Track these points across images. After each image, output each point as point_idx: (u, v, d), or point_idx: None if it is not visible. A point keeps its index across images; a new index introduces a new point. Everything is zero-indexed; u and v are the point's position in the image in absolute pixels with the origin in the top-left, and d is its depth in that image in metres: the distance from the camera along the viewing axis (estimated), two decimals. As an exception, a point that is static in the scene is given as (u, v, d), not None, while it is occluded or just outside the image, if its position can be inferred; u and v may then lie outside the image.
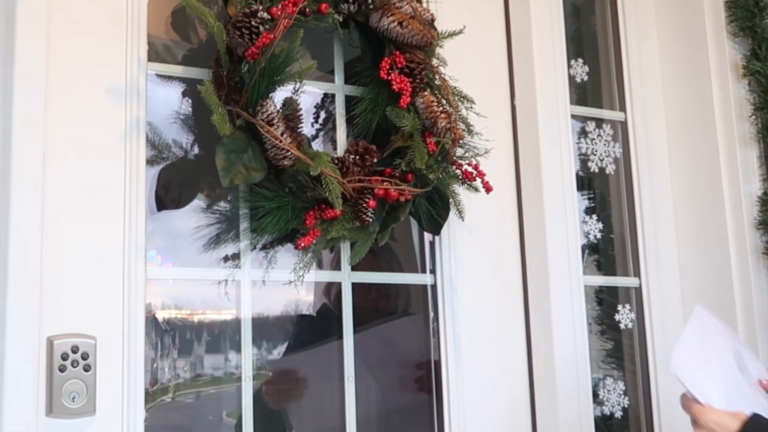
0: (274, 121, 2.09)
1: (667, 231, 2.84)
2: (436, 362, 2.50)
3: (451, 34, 2.45)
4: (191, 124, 2.29)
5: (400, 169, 2.29)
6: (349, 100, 2.45)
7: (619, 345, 2.80)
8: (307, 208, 2.18)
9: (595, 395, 2.66)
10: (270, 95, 2.12)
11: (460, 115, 2.40)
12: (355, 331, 2.38)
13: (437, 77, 2.39)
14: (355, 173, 2.24)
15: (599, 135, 2.85)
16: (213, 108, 2.05)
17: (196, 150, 2.30)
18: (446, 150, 2.31)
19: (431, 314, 2.52)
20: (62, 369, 1.94)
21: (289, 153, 2.10)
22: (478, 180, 2.37)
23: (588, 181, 2.83)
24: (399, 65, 2.32)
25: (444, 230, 2.46)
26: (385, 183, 2.25)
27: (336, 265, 2.42)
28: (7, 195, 1.94)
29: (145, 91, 2.17)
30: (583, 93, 2.86)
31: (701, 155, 2.80)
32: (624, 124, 2.88)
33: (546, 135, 2.63)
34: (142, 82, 2.16)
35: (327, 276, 2.44)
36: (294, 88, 2.20)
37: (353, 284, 2.41)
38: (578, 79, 2.85)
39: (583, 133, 2.83)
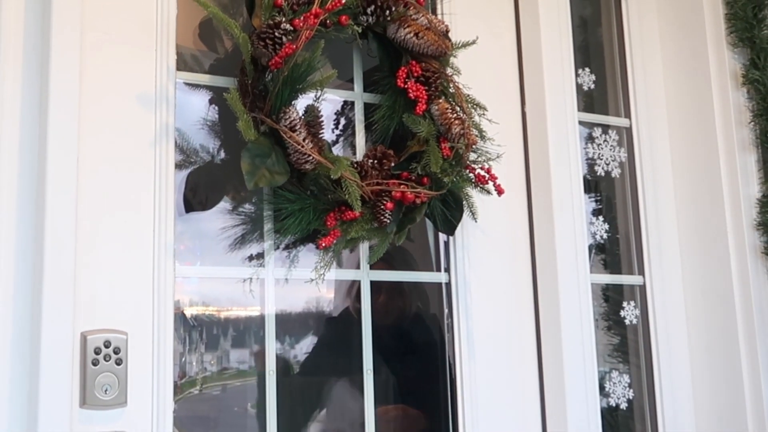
0: (297, 127, 2.08)
1: (669, 231, 2.82)
2: (450, 356, 2.47)
3: (465, 45, 2.44)
4: (218, 130, 2.28)
5: (416, 172, 2.27)
6: (367, 107, 2.44)
7: (625, 340, 2.78)
8: (328, 210, 2.17)
9: (602, 387, 2.64)
10: (293, 103, 2.12)
11: (473, 121, 2.39)
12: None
13: (451, 85, 2.38)
14: (374, 177, 2.22)
15: (605, 140, 2.83)
16: (238, 115, 2.04)
17: (222, 155, 2.29)
18: (460, 155, 2.30)
19: (446, 310, 2.50)
20: (95, 363, 1.93)
21: (311, 157, 2.09)
22: (491, 183, 2.35)
23: (595, 184, 2.81)
24: (415, 74, 2.30)
25: (458, 231, 2.44)
26: (401, 186, 2.23)
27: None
28: (43, 197, 1.92)
29: (174, 98, 2.15)
30: (590, 100, 2.84)
31: (702, 159, 2.78)
32: (629, 130, 2.86)
33: (555, 140, 2.61)
34: (171, 91, 2.15)
35: (346, 274, 2.40)
36: (315, 96, 2.19)
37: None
38: (585, 88, 2.83)
39: (590, 138, 2.81)
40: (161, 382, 2.02)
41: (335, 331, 2.44)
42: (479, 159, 2.39)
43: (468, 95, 2.41)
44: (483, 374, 2.46)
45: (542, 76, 2.64)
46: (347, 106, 2.46)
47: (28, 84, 1.99)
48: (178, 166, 2.17)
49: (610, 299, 2.77)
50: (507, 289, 2.56)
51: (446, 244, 2.52)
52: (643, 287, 2.77)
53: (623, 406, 2.69)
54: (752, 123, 2.72)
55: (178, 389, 2.12)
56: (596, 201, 2.81)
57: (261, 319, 2.23)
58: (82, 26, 2.03)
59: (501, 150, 2.47)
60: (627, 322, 2.75)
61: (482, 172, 2.35)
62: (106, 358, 1.94)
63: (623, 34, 2.90)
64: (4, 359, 1.89)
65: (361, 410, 2.32)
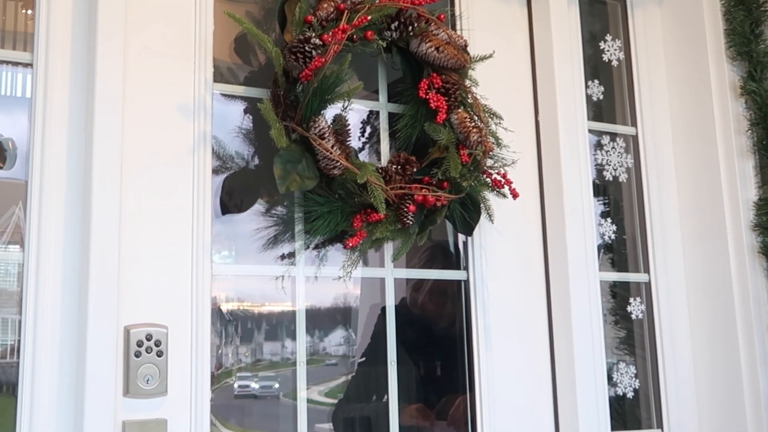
0: (326, 135, 2.06)
1: (673, 232, 2.78)
2: (468, 349, 2.43)
3: (482, 58, 2.41)
4: (252, 137, 2.26)
5: (437, 177, 2.25)
6: (391, 116, 2.42)
7: (631, 333, 2.74)
8: (355, 212, 2.14)
9: (610, 378, 2.61)
10: (322, 112, 2.10)
11: (490, 129, 2.36)
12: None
13: (470, 96, 2.35)
14: (397, 181, 2.20)
15: (613, 147, 2.80)
16: (271, 123, 2.02)
17: (256, 161, 2.26)
18: (478, 161, 2.28)
19: (464, 306, 2.47)
20: (138, 354, 1.92)
21: (339, 163, 2.06)
22: (506, 187, 2.33)
23: (603, 188, 2.79)
24: (436, 86, 2.28)
25: (476, 232, 2.41)
26: (423, 190, 2.20)
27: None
28: (89, 199, 1.90)
29: (211, 108, 2.13)
30: (599, 110, 2.81)
31: (704, 165, 2.74)
32: (635, 138, 2.83)
33: (566, 147, 2.58)
34: (209, 101, 2.12)
35: (373, 272, 2.36)
36: (343, 106, 2.18)
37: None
38: (594, 98, 2.79)
39: (599, 145, 2.78)
40: (199, 372, 2.00)
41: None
42: (496, 165, 2.37)
43: (485, 105, 2.38)
44: (499, 364, 2.43)
45: (554, 88, 2.60)
46: (372, 116, 2.43)
47: (74, 94, 1.98)
48: (215, 171, 2.15)
49: (618, 295, 2.74)
50: (521, 285, 2.52)
51: (465, 244, 2.49)
52: (648, 284, 2.74)
53: (630, 395, 2.66)
54: (750, 131, 2.69)
55: (214, 379, 2.10)
56: (605, 204, 2.78)
57: (292, 314, 2.21)
58: (125, 39, 2.01)
59: (516, 156, 2.46)
60: (633, 316, 2.72)
61: (498, 177, 2.33)
62: (148, 350, 1.93)
63: (630, 47, 2.87)
64: (53, 352, 1.88)
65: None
